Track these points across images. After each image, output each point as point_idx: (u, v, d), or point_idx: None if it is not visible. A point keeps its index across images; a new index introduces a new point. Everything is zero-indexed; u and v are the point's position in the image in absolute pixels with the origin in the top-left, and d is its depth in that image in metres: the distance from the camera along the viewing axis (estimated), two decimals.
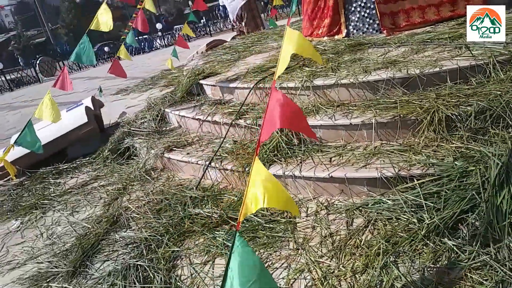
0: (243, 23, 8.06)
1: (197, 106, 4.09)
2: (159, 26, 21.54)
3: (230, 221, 2.56)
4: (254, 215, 2.55)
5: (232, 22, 8.33)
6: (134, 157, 4.02)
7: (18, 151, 4.23)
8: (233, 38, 8.27)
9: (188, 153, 3.43)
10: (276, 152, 2.94)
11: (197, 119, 3.83)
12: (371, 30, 4.55)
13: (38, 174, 4.21)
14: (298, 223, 2.44)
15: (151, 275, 2.24)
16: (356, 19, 4.60)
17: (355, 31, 4.67)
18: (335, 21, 4.75)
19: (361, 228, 2.24)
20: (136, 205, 3.08)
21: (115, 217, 2.97)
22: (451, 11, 4.32)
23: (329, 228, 2.32)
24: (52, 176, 4.09)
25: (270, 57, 4.64)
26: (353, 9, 4.59)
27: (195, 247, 2.44)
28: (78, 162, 4.29)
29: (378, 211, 2.32)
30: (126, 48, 5.84)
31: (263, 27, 8.15)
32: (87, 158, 4.33)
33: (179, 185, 3.27)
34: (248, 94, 3.63)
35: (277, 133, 3.02)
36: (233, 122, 3.40)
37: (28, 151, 4.36)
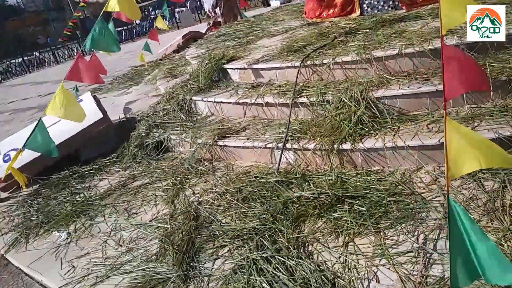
0: (218, 13, 7.75)
1: (231, 91, 3.80)
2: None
3: (345, 199, 2.35)
4: (368, 192, 2.38)
5: (208, 12, 7.97)
6: (174, 150, 3.63)
7: (23, 158, 3.64)
8: (208, 29, 7.95)
9: (248, 138, 3.14)
10: (361, 126, 2.78)
11: (241, 104, 3.54)
12: (386, 7, 4.54)
13: (54, 180, 3.64)
14: (423, 193, 2.31)
15: (291, 265, 1.98)
16: None
17: (369, 9, 4.64)
18: (348, 0, 4.69)
19: (499, 189, 2.16)
20: (211, 198, 2.75)
21: (193, 213, 2.62)
22: None
23: (463, 194, 2.21)
24: (75, 180, 3.55)
25: (287, 39, 4.44)
26: None
27: (319, 231, 2.21)
28: (98, 163, 3.77)
29: (505, 170, 2.25)
30: None
31: (240, 17, 7.89)
32: (108, 158, 3.82)
33: (247, 173, 2.98)
34: (298, 72, 3.41)
35: (356, 106, 2.86)
36: (294, 101, 3.18)
37: (34, 157, 3.79)
